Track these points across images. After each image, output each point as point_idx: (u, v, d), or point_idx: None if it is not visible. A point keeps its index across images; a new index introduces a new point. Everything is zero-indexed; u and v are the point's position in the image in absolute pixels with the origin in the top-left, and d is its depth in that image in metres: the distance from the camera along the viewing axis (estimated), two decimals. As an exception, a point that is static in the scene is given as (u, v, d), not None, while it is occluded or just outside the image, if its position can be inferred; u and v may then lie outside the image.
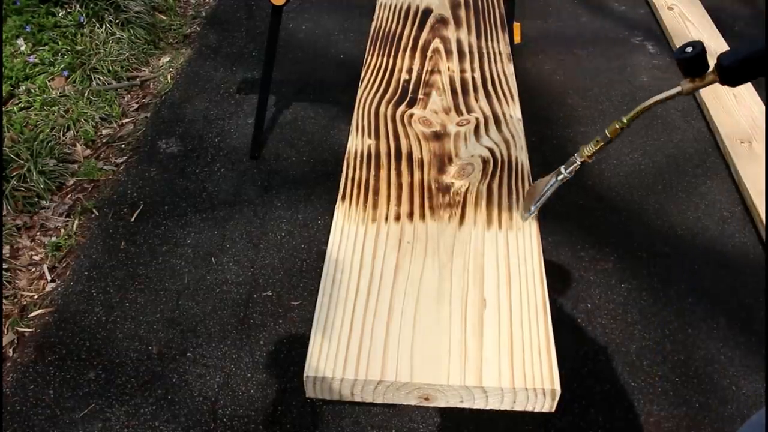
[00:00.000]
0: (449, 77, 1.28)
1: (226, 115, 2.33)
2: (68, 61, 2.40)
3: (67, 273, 1.78)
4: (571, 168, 0.87)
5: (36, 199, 1.97)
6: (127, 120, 2.34)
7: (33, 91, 2.31)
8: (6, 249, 1.81)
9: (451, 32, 1.42)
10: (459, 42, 1.39)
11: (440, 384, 0.74)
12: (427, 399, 0.76)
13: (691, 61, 0.72)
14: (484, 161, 1.07)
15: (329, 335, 0.79)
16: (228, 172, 2.09)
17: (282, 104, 2.37)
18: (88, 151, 2.19)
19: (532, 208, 0.92)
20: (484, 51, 1.36)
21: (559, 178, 0.89)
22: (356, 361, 0.76)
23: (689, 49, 0.71)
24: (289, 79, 2.49)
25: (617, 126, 0.82)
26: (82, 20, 2.55)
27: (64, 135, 2.21)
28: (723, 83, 0.72)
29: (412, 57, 1.34)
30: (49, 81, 2.35)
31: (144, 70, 2.58)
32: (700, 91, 2.37)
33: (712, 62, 0.72)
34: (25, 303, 1.70)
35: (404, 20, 1.47)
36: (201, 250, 1.83)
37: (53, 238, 1.87)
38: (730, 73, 0.70)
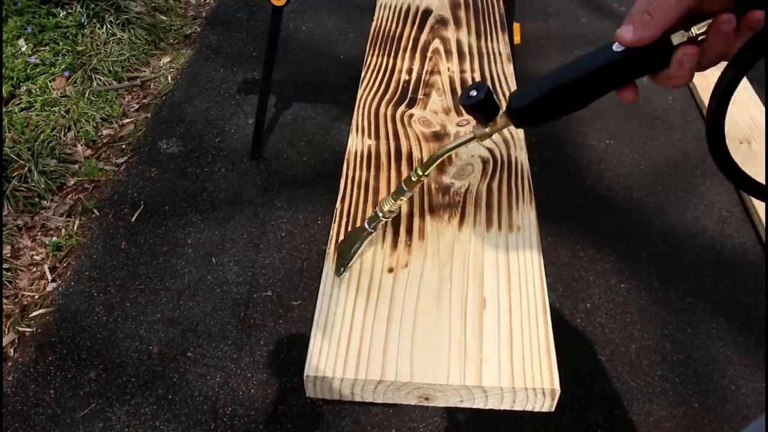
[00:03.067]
0: (449, 78, 1.28)
1: (227, 116, 2.33)
2: (69, 62, 2.40)
3: (68, 273, 1.78)
4: (375, 223, 0.85)
5: (37, 199, 1.97)
6: (127, 120, 2.34)
7: (34, 91, 2.32)
8: (7, 249, 1.82)
9: (451, 33, 1.43)
10: (459, 42, 1.39)
11: (440, 384, 0.74)
12: (427, 399, 0.76)
13: (479, 106, 0.64)
14: (484, 161, 1.07)
15: (329, 335, 0.79)
16: (228, 173, 2.09)
17: (282, 104, 2.38)
18: (89, 152, 2.20)
19: (342, 269, 0.87)
20: (484, 51, 1.37)
21: (364, 234, 0.86)
22: (356, 360, 0.76)
23: (473, 93, 0.64)
24: (289, 79, 2.50)
25: (413, 179, 0.77)
26: (82, 21, 2.55)
27: (64, 135, 2.21)
28: (518, 126, 0.65)
29: (412, 57, 1.34)
30: (50, 81, 2.36)
31: (144, 71, 2.59)
32: (700, 91, 2.38)
33: None
34: (25, 303, 1.70)
35: (404, 21, 1.47)
36: (201, 250, 1.83)
37: (54, 238, 1.87)
38: (522, 115, 0.63)
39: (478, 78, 1.28)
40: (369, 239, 0.87)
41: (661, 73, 0.56)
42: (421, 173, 0.76)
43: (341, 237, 0.94)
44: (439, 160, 0.75)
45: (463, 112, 1.19)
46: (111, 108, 2.35)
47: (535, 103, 0.61)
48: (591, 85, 0.58)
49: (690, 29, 0.52)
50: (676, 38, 0.52)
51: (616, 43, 0.54)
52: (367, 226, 0.86)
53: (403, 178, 0.83)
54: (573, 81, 0.58)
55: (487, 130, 0.67)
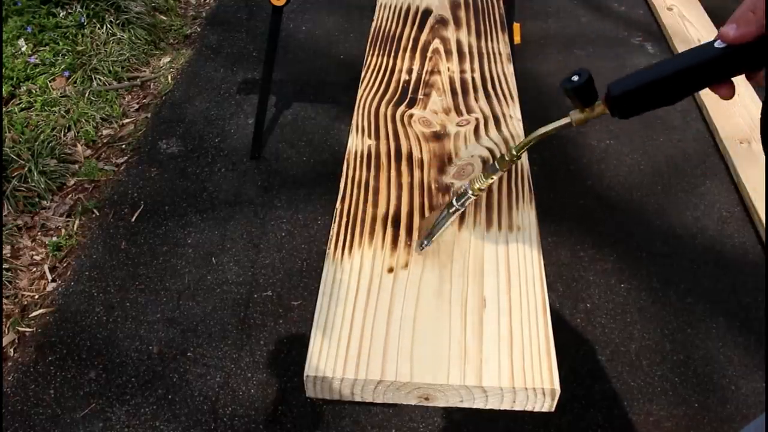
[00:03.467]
0: (449, 78, 1.28)
1: (227, 116, 2.33)
2: (69, 62, 2.40)
3: (68, 273, 1.78)
4: (463, 200, 0.86)
5: (37, 200, 1.97)
6: (127, 120, 2.34)
7: (34, 91, 2.32)
8: (7, 249, 1.82)
9: (450, 33, 1.43)
10: (459, 42, 1.39)
11: (440, 384, 0.74)
12: (426, 399, 0.76)
13: (579, 91, 0.67)
14: (484, 162, 1.07)
15: (329, 335, 0.79)
16: (228, 173, 2.09)
17: (282, 104, 2.38)
18: (89, 152, 2.20)
19: (425, 242, 0.90)
20: (484, 51, 1.37)
21: (451, 210, 0.88)
22: (356, 360, 0.76)
23: (575, 78, 0.66)
24: (289, 79, 2.50)
25: (507, 159, 0.79)
26: (82, 21, 2.55)
27: (64, 135, 2.21)
28: (613, 115, 0.67)
29: (412, 57, 1.34)
30: (50, 81, 2.36)
31: (144, 71, 2.59)
32: (699, 91, 2.38)
33: None
34: (25, 303, 1.71)
35: (404, 21, 1.47)
36: (201, 250, 1.83)
37: (54, 238, 1.87)
38: (620, 104, 0.65)
39: (478, 78, 1.28)
40: (454, 217, 0.88)
41: (759, 72, 0.58)
42: (515, 153, 0.78)
43: (341, 237, 0.94)
44: (533, 143, 0.77)
45: (464, 111, 1.19)
46: (111, 108, 2.35)
47: (634, 92, 0.63)
48: (690, 79, 0.61)
49: None
50: None
51: (718, 41, 0.57)
52: (455, 202, 0.87)
53: (497, 156, 0.84)
54: (674, 74, 0.61)
55: (582, 115, 0.70)
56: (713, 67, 0.59)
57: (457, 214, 0.88)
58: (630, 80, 0.63)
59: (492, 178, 0.82)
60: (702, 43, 0.60)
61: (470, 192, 0.85)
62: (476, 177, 0.84)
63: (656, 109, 0.64)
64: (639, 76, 0.63)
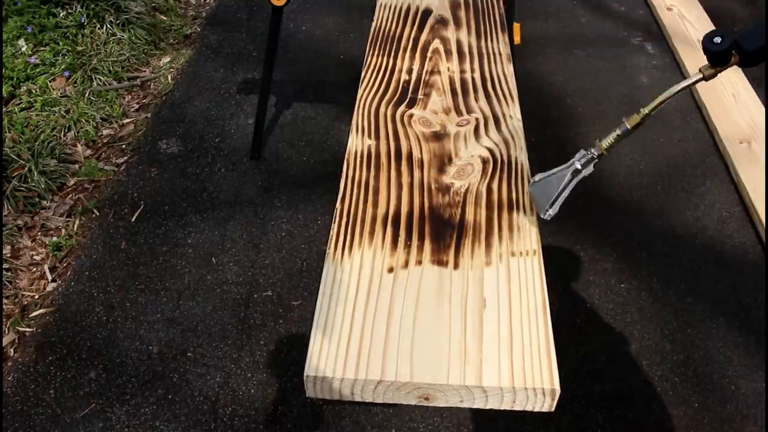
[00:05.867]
0: (449, 78, 1.28)
1: (227, 116, 2.33)
2: (69, 62, 2.40)
3: (68, 273, 1.78)
4: (586, 161, 0.84)
5: (37, 200, 1.97)
6: (127, 120, 2.34)
7: (34, 91, 2.32)
8: (7, 249, 1.82)
9: (450, 33, 1.43)
10: (459, 42, 1.39)
11: (440, 384, 0.74)
12: (427, 399, 0.76)
13: (719, 53, 0.73)
14: (484, 161, 1.07)
15: (329, 335, 0.79)
16: (228, 173, 2.10)
17: (282, 104, 2.38)
18: (89, 152, 2.20)
19: (549, 210, 0.87)
20: (484, 51, 1.37)
21: (575, 172, 0.85)
22: (356, 360, 0.76)
23: (717, 40, 0.72)
24: (289, 79, 2.50)
25: (638, 119, 0.80)
26: (82, 21, 2.55)
27: (64, 135, 2.21)
28: (742, 66, 0.74)
29: (412, 57, 1.34)
30: (50, 81, 2.36)
31: (145, 71, 2.59)
32: (699, 91, 2.38)
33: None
34: (25, 303, 1.71)
35: (404, 21, 1.47)
36: (201, 250, 1.83)
37: (54, 238, 1.87)
38: (753, 57, 0.72)
39: (477, 78, 1.28)
40: (577, 179, 0.85)
41: None
42: (646, 112, 0.79)
43: (341, 237, 0.94)
44: (665, 102, 0.79)
45: (464, 111, 1.19)
46: (111, 108, 2.35)
47: (766, 48, 0.70)
48: None
49: None
50: None
51: None
52: (578, 164, 0.84)
53: (629, 116, 0.83)
54: None
55: (714, 71, 0.76)
56: None
57: (581, 176, 0.85)
58: (759, 35, 0.70)
59: (621, 138, 0.81)
60: None
61: (594, 151, 0.83)
62: (605, 137, 0.82)
63: None
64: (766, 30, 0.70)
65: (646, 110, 0.79)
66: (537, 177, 0.90)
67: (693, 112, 2.35)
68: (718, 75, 0.78)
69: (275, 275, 1.76)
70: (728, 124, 2.22)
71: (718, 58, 0.75)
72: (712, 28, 2.72)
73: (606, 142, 0.82)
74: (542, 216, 0.87)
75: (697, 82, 0.78)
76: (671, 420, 1.45)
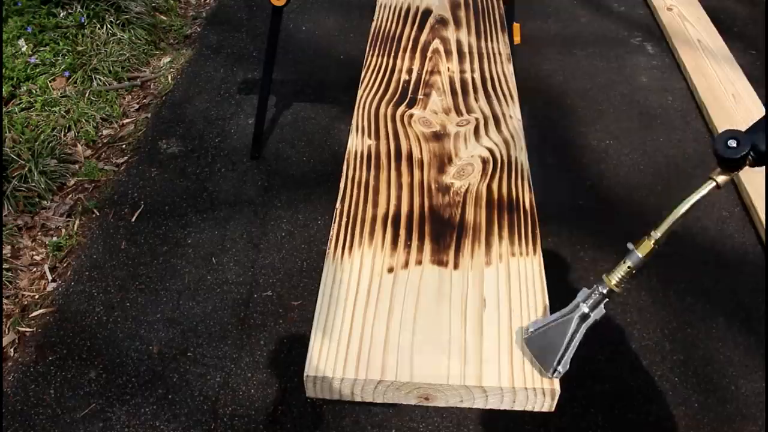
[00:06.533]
0: (449, 78, 1.28)
1: (227, 116, 2.33)
2: (69, 62, 2.40)
3: (68, 273, 1.78)
4: (597, 303, 0.70)
5: (37, 200, 1.97)
6: (127, 120, 2.34)
7: (34, 91, 2.32)
8: (7, 249, 1.82)
9: (450, 33, 1.43)
10: (459, 43, 1.39)
11: (440, 384, 0.74)
12: (426, 399, 0.76)
13: (735, 160, 0.64)
14: (484, 161, 1.07)
15: (329, 335, 0.79)
16: (228, 173, 2.10)
17: (282, 104, 2.38)
18: (89, 152, 2.20)
19: (559, 368, 0.71)
20: (484, 51, 1.37)
21: (588, 322, 0.70)
22: (356, 360, 0.76)
23: (733, 144, 0.63)
24: (289, 79, 2.50)
25: (649, 243, 0.69)
26: (83, 21, 2.55)
27: (65, 135, 2.21)
28: (757, 166, 0.65)
29: (412, 57, 1.34)
30: (50, 81, 2.36)
31: (145, 71, 2.59)
32: (699, 91, 2.38)
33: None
34: (26, 303, 1.71)
35: (404, 21, 1.47)
36: (201, 250, 1.83)
37: (54, 238, 1.87)
38: None
39: (477, 78, 1.28)
40: (587, 324, 0.70)
41: None
42: (658, 236, 0.71)
43: (341, 237, 0.94)
44: (677, 221, 0.69)
45: (464, 111, 1.19)
46: (111, 108, 2.35)
47: None
48: None
49: None
50: None
51: None
52: (585, 308, 0.70)
53: (638, 242, 0.75)
54: None
55: (728, 177, 0.68)
56: None
57: (591, 321, 0.71)
58: None
59: (631, 269, 0.68)
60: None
61: (603, 289, 0.69)
62: (613, 272, 0.69)
63: None
64: None
65: (657, 234, 0.69)
66: (531, 327, 0.75)
67: (693, 111, 2.35)
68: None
69: (275, 275, 1.76)
70: (728, 124, 2.22)
71: (732, 165, 0.64)
72: (712, 28, 2.72)
73: (615, 277, 0.70)
74: (550, 376, 0.71)
75: (709, 193, 0.69)
76: (671, 420, 1.45)
